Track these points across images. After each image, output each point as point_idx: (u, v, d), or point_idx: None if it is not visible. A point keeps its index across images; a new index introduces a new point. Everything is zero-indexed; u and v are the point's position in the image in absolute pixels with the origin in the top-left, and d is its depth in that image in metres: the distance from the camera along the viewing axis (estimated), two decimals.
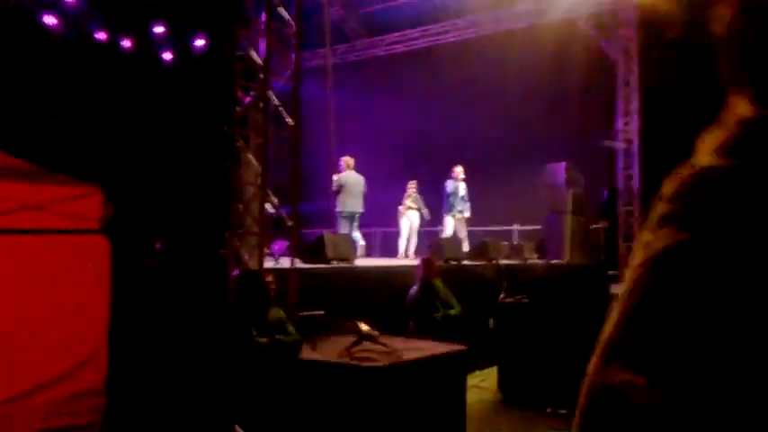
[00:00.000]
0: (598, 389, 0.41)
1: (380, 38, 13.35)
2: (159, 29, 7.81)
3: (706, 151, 0.42)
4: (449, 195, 10.71)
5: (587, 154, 11.73)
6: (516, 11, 11.61)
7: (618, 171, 11.82)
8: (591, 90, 11.84)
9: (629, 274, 0.43)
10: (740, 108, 0.42)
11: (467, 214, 10.83)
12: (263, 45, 6.68)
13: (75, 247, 4.69)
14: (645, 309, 0.40)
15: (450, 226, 10.73)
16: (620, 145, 11.76)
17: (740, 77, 0.43)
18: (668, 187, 0.42)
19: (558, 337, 6.36)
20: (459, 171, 10.78)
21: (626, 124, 11.78)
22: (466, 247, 10.22)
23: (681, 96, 7.95)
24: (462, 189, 10.77)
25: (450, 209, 10.72)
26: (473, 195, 10.93)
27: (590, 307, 6.08)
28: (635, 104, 11.63)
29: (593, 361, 0.43)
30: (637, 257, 0.43)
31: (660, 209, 0.42)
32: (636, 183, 11.55)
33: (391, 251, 11.14)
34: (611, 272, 8.74)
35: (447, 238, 10.05)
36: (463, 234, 10.74)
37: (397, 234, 10.92)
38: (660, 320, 0.39)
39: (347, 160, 9.97)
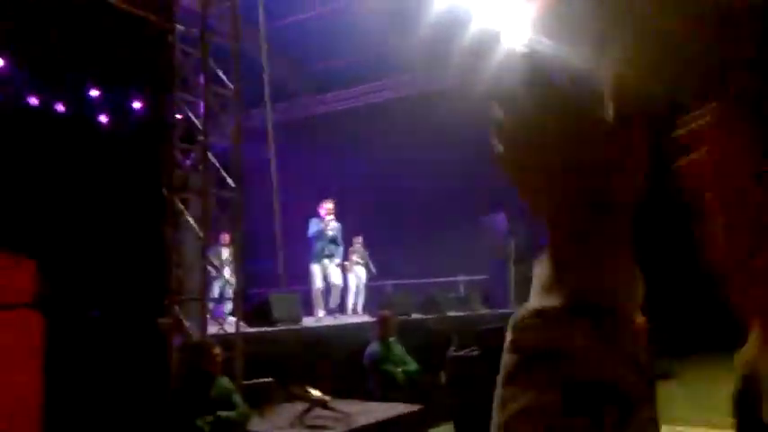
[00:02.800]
0: None
1: (323, 95, 13.52)
2: (94, 92, 7.70)
3: (534, 291, 0.42)
4: (313, 238, 8.99)
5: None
6: (451, 66, 11.98)
7: None
8: None
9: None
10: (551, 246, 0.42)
11: (337, 260, 9.19)
12: (203, 106, 6.64)
13: (4, 323, 4.41)
14: None
15: (318, 276, 8.98)
16: None
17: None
18: (514, 335, 0.40)
19: None
20: (327, 208, 9.03)
21: None
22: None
23: None
24: (332, 230, 9.09)
25: (318, 255, 8.97)
26: (418, 248, 10.85)
27: None
28: None
29: None
30: (497, 414, 0.40)
31: (510, 360, 0.40)
32: None
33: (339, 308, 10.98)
34: None
35: (398, 294, 9.96)
36: (338, 281, 9.31)
37: (336, 291, 10.73)
38: None
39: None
